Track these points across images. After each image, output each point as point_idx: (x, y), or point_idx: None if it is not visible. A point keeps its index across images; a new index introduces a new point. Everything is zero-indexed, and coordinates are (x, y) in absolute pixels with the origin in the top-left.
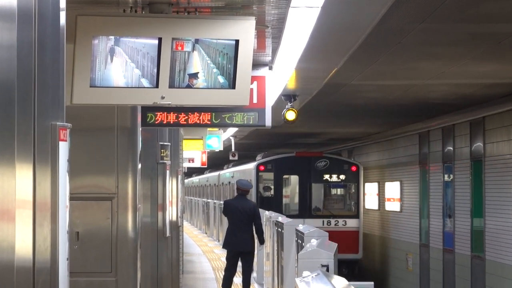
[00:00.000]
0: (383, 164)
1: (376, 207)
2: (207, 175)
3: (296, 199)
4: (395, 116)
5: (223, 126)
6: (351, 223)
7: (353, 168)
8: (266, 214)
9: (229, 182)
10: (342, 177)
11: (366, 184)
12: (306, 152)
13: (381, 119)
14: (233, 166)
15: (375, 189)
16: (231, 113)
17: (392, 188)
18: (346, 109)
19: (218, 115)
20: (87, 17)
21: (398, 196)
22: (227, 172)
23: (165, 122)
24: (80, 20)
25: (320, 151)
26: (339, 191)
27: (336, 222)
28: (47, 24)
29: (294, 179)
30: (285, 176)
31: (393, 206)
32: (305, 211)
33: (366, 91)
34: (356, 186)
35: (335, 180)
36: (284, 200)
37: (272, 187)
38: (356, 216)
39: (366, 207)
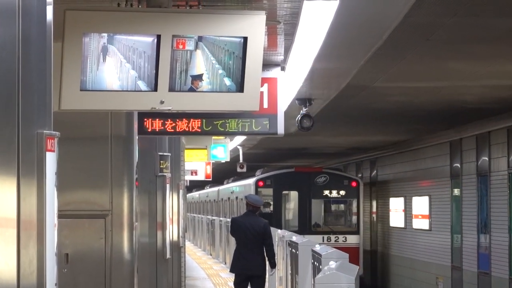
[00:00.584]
0: (409, 176)
1: (402, 224)
2: (207, 190)
3: (296, 215)
4: (423, 123)
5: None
6: (352, 239)
7: (353, 184)
8: (278, 233)
9: (229, 198)
10: (342, 192)
11: (391, 199)
12: (305, 167)
13: (407, 126)
14: (233, 181)
15: (401, 204)
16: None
17: (420, 204)
18: (368, 115)
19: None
20: (77, 11)
21: (427, 213)
22: (226, 188)
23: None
24: (69, 15)
25: (319, 167)
26: (339, 206)
27: (336, 238)
28: (32, 20)
29: (293, 194)
30: (284, 192)
31: (421, 223)
32: (305, 227)
33: (391, 94)
34: (356, 202)
35: (335, 196)
36: (284, 216)
37: (272, 203)
38: (356, 232)
39: (391, 224)
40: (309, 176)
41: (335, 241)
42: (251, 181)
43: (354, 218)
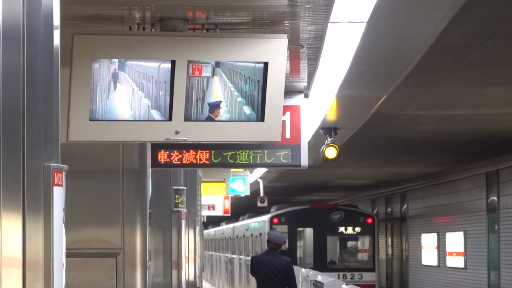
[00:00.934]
0: (443, 211)
1: (435, 262)
2: (223, 227)
3: (311, 252)
4: (457, 153)
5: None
6: (367, 276)
7: (369, 220)
8: (302, 272)
9: (244, 235)
10: (358, 229)
11: (423, 235)
12: (320, 204)
13: (440, 156)
14: (249, 217)
15: (434, 241)
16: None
17: (454, 240)
18: (397, 145)
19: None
20: (86, 36)
21: (462, 250)
22: (241, 224)
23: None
24: (77, 39)
25: (335, 203)
26: (355, 243)
27: (352, 275)
28: (38, 45)
29: (308, 231)
30: (299, 229)
31: (455, 261)
32: (320, 264)
33: (422, 123)
34: (372, 239)
35: (350, 233)
36: (299, 253)
37: (287, 240)
38: (372, 269)
39: (423, 262)
40: (324, 213)
41: (351, 278)
42: (265, 217)
43: (370, 255)
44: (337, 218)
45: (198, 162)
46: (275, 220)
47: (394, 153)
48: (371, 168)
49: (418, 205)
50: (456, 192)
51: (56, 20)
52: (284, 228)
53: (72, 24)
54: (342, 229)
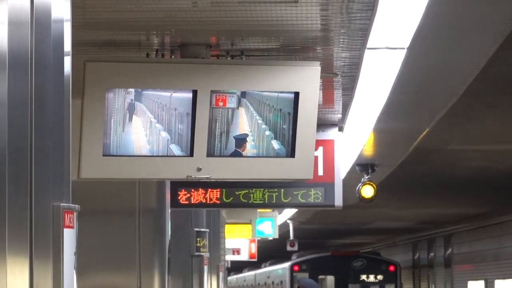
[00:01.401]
0: (492, 255)
1: None
2: (245, 274)
3: None
4: (507, 192)
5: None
6: None
7: (391, 268)
8: None
9: (265, 283)
10: (380, 277)
11: (470, 282)
12: (342, 251)
13: (488, 196)
14: (270, 265)
15: None
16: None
17: None
18: (441, 183)
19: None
20: (99, 63)
21: None
22: (263, 272)
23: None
24: (90, 67)
25: (356, 251)
26: None
27: None
28: (48, 73)
29: (330, 279)
30: (320, 277)
31: None
32: None
33: (468, 159)
34: (394, 287)
35: (372, 281)
36: None
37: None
38: None
39: None
40: (345, 260)
41: None
42: (286, 265)
43: None
44: (358, 265)
45: (207, 201)
46: (296, 268)
47: (437, 192)
48: (411, 208)
49: (464, 249)
50: (506, 235)
51: (67, 46)
52: (304, 276)
53: (84, 51)
54: (364, 277)
